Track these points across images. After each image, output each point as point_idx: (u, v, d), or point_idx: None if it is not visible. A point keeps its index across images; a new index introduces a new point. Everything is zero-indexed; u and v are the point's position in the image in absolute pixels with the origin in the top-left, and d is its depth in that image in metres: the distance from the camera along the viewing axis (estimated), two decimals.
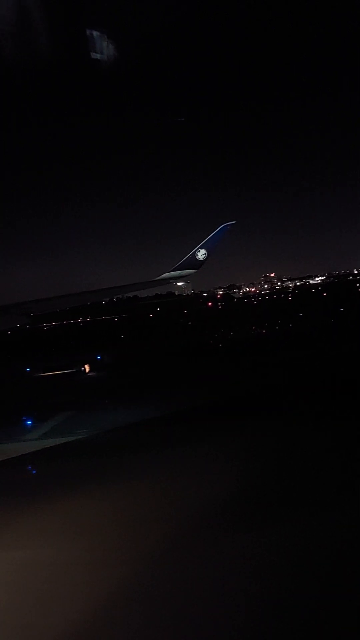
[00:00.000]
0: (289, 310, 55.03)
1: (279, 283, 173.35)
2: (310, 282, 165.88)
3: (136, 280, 13.83)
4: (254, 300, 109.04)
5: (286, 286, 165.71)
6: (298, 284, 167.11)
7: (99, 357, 29.66)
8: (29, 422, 15.80)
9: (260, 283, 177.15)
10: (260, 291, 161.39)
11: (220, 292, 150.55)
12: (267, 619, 5.42)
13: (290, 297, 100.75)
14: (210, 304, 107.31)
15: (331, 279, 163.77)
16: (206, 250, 14.44)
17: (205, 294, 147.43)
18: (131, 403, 17.28)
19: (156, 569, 6.58)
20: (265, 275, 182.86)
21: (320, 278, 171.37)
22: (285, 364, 20.99)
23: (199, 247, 14.41)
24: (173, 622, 5.56)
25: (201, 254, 14.41)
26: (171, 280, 14.46)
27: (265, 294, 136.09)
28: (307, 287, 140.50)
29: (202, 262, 14.46)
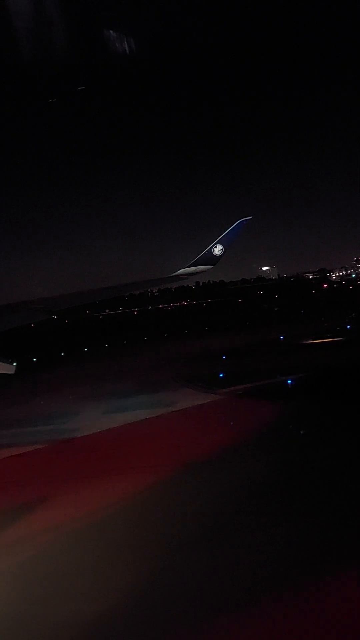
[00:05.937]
0: None
1: None
2: None
3: (150, 277, 14.12)
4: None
5: None
6: None
7: (348, 327, 29.24)
8: None
9: (354, 267, 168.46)
10: (358, 275, 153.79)
11: (311, 276, 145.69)
12: (266, 619, 5.45)
13: None
14: (325, 285, 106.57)
15: None
16: (223, 245, 14.43)
17: (292, 279, 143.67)
18: None
19: (158, 568, 6.62)
20: (358, 259, 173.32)
21: None
22: None
23: (216, 243, 14.40)
24: (173, 621, 5.61)
25: (218, 250, 14.41)
26: (187, 277, 14.61)
27: None
28: None
29: (218, 257, 14.46)
